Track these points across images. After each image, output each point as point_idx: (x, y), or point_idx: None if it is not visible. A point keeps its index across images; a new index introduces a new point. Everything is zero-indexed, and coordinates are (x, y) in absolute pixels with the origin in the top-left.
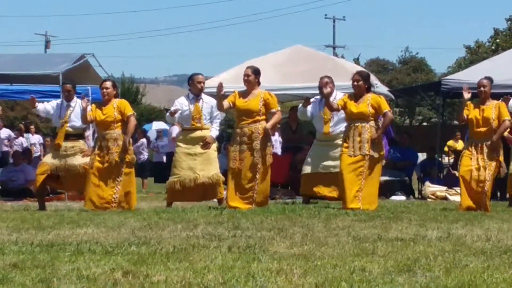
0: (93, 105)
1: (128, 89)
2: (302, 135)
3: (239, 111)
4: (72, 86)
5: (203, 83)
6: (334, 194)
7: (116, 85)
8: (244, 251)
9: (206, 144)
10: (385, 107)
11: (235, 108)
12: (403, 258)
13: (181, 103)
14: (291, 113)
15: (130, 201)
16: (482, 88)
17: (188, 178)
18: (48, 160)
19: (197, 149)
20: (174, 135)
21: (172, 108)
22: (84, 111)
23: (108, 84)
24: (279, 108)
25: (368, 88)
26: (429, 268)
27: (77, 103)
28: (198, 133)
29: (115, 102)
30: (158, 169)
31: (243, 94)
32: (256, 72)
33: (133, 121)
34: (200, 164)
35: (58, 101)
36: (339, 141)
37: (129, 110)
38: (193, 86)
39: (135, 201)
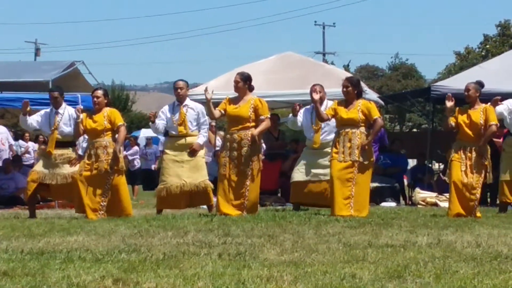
0: (84, 114)
1: (118, 97)
2: (284, 142)
3: (229, 118)
4: (59, 93)
5: (180, 89)
6: (324, 201)
7: (108, 93)
8: (234, 258)
9: (192, 152)
10: (375, 114)
11: (225, 114)
12: (393, 264)
13: (165, 111)
14: (270, 121)
15: (123, 209)
16: (466, 92)
17: (175, 185)
18: (38, 168)
19: (184, 156)
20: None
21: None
22: (77, 125)
23: (99, 93)
24: (268, 116)
25: (359, 94)
26: (419, 274)
27: (65, 110)
28: (184, 140)
29: (106, 111)
30: (147, 177)
31: (234, 101)
32: (246, 78)
33: (123, 131)
34: (187, 171)
35: (47, 109)
36: (329, 149)
37: (119, 120)
38: (175, 92)
39: (130, 209)
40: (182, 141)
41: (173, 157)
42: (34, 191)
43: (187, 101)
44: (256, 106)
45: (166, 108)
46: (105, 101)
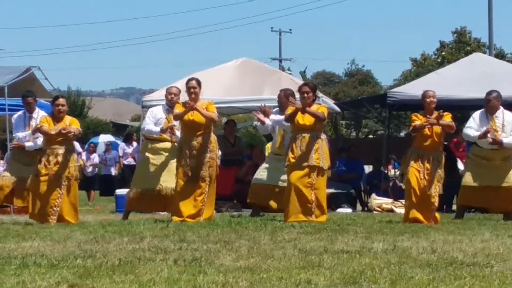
0: (47, 117)
1: (74, 102)
2: (240, 148)
3: (185, 125)
4: (33, 98)
5: (175, 95)
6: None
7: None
8: (190, 264)
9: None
10: (323, 111)
11: (182, 121)
12: (349, 270)
13: (156, 114)
14: (227, 126)
15: (73, 214)
16: (428, 99)
17: (151, 188)
18: (7, 174)
19: (162, 160)
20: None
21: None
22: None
23: (63, 101)
24: (215, 112)
25: (314, 99)
26: (374, 280)
27: (39, 115)
28: (165, 144)
29: (68, 119)
30: (105, 182)
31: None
32: (200, 83)
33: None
34: (164, 175)
35: (20, 113)
36: None
37: (75, 124)
38: (166, 98)
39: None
40: (162, 145)
41: (151, 161)
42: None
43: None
44: (207, 108)
45: (157, 111)
46: (68, 109)
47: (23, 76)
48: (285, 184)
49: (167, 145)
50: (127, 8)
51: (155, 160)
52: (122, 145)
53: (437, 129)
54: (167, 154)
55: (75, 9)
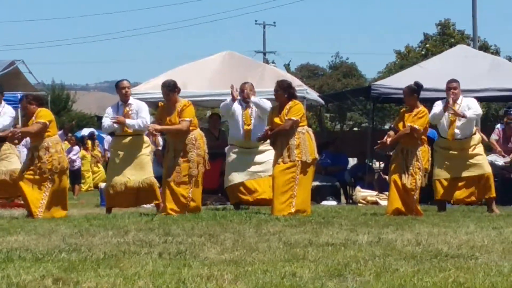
0: (17, 125)
1: (59, 96)
2: (225, 141)
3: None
4: None
5: (128, 88)
6: (265, 196)
7: (39, 96)
8: (174, 257)
9: (119, 122)
10: (291, 115)
11: (163, 122)
12: (334, 263)
13: (109, 112)
14: (211, 119)
15: (61, 207)
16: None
17: (119, 183)
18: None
19: (129, 154)
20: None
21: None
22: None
23: (24, 102)
24: (188, 120)
25: (290, 96)
26: (359, 272)
27: (4, 108)
28: (129, 139)
29: (36, 113)
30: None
31: (167, 109)
32: (172, 87)
33: (36, 125)
34: (131, 169)
35: None
36: (263, 147)
37: (38, 118)
38: (119, 93)
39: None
40: (126, 139)
41: (118, 155)
42: None
43: (131, 100)
44: (182, 108)
45: (109, 109)
46: (32, 106)
47: (7, 70)
48: (260, 176)
49: (132, 139)
50: (112, 1)
51: (121, 155)
52: (108, 138)
53: (409, 122)
54: (133, 147)
55: (59, 3)
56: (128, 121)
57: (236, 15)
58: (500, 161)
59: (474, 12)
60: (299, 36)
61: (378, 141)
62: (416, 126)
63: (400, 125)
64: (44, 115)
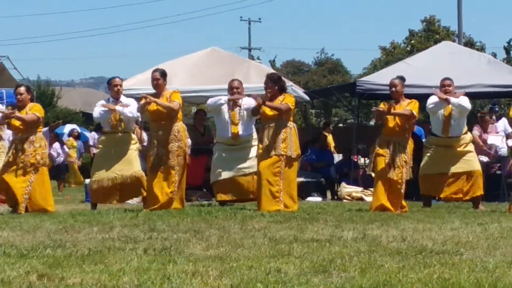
0: (9, 107)
1: (44, 92)
2: (210, 137)
3: (152, 115)
4: None
5: (120, 85)
6: (248, 195)
7: (31, 89)
8: (159, 253)
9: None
10: (287, 101)
11: (148, 112)
12: (319, 259)
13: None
14: (197, 116)
15: (45, 204)
16: (393, 88)
17: (107, 178)
18: None
19: (117, 151)
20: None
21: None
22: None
23: (22, 89)
24: (177, 101)
25: (281, 89)
26: (344, 268)
27: None
28: (117, 136)
29: (29, 107)
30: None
31: (154, 97)
32: (164, 74)
33: (31, 115)
34: (120, 165)
35: None
36: (250, 144)
37: (33, 111)
38: (111, 90)
39: (52, 204)
40: (115, 137)
41: (106, 152)
42: None
43: (122, 98)
44: (170, 96)
45: (102, 101)
46: (29, 96)
47: None
48: (244, 172)
49: (121, 136)
50: None
51: (109, 151)
52: (93, 134)
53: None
54: (121, 144)
55: None
56: (118, 107)
57: (222, 11)
58: (484, 158)
59: (459, 8)
60: (284, 32)
61: (375, 108)
62: (414, 112)
63: (390, 119)
64: (38, 109)
